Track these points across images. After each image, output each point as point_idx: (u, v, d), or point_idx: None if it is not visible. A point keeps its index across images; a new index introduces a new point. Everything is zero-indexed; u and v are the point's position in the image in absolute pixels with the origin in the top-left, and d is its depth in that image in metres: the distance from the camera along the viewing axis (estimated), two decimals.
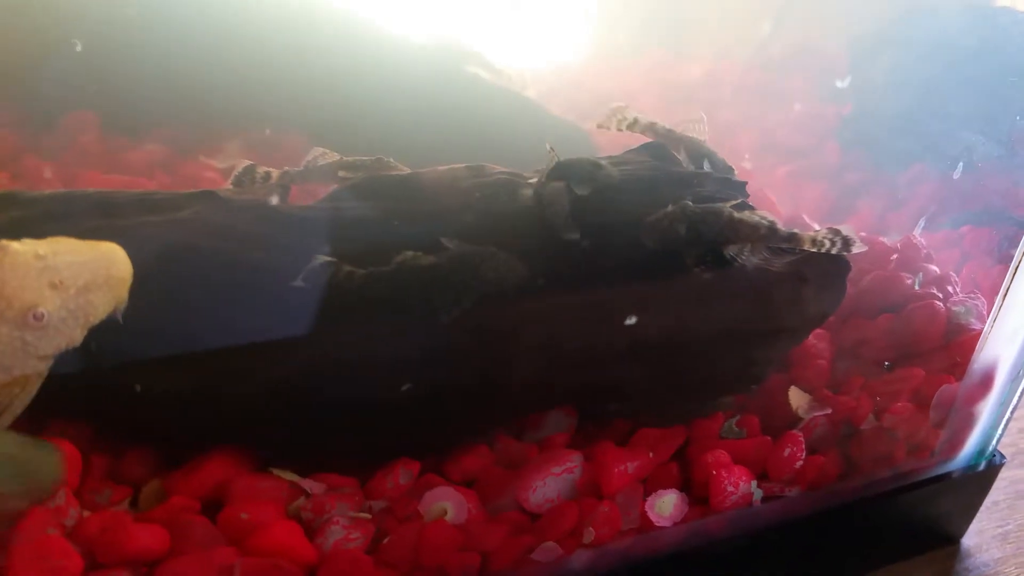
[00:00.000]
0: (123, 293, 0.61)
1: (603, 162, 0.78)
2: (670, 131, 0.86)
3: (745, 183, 0.84)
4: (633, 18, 1.47)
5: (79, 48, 0.96)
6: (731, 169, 0.85)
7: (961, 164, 1.06)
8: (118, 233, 0.66)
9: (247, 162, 0.79)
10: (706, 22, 1.48)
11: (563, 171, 0.77)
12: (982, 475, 0.94)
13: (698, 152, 0.84)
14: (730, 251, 0.76)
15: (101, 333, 0.63)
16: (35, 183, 0.99)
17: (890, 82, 1.30)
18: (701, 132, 0.86)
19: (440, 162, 0.86)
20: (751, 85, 1.47)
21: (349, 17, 1.14)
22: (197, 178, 1.03)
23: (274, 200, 0.73)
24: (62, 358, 0.60)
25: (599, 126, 0.89)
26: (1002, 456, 0.94)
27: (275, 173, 0.79)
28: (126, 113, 1.09)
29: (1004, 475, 1.02)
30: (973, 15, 1.25)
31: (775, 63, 1.46)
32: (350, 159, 0.79)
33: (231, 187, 0.78)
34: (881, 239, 1.05)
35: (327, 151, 0.80)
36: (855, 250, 0.78)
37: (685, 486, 0.80)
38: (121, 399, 0.68)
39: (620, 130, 0.87)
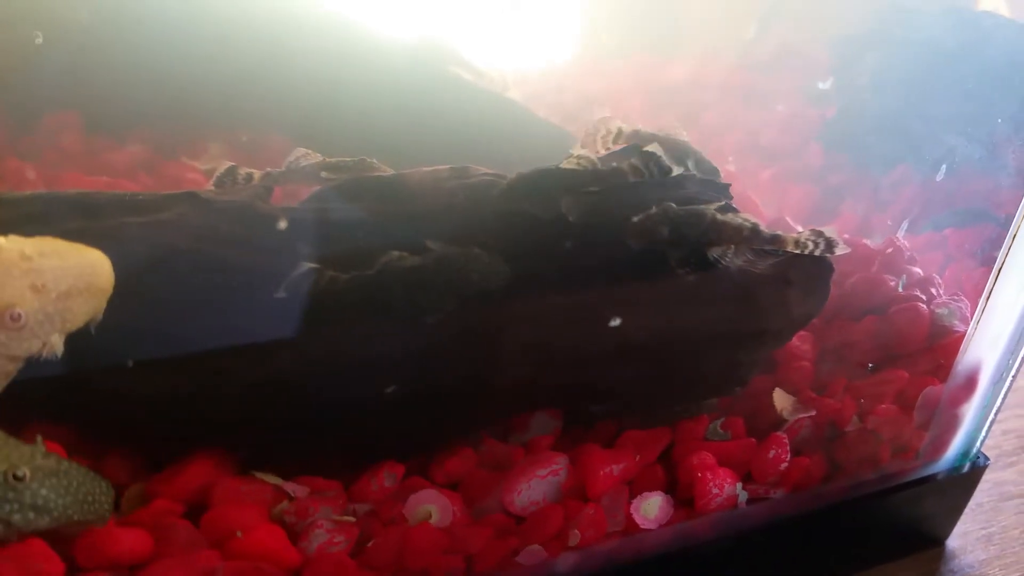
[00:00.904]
0: (103, 304, 0.61)
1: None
2: (654, 136, 0.86)
3: (729, 185, 0.84)
4: (618, 19, 1.47)
5: (39, 41, 0.95)
6: (716, 171, 0.85)
7: (944, 166, 1.06)
8: (99, 235, 0.66)
9: (229, 163, 0.78)
10: (690, 23, 1.48)
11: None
12: (966, 477, 0.95)
13: (684, 154, 0.84)
14: (714, 253, 0.76)
15: (82, 334, 0.63)
16: (16, 184, 0.98)
17: (873, 84, 1.30)
18: (681, 136, 0.86)
19: (423, 164, 0.86)
20: (735, 87, 1.47)
21: (331, 17, 1.14)
22: (180, 179, 1.02)
23: (258, 203, 0.72)
24: (33, 362, 0.60)
25: (583, 148, 0.88)
26: (986, 458, 0.95)
27: (257, 174, 0.78)
28: (108, 114, 1.08)
29: (988, 477, 1.02)
30: (956, 18, 1.25)
31: (759, 65, 1.46)
32: (333, 160, 0.79)
33: (213, 188, 0.78)
34: (864, 241, 1.06)
35: (309, 152, 0.80)
36: (838, 252, 0.79)
37: (670, 488, 0.80)
38: (102, 401, 0.67)
39: (607, 148, 0.86)
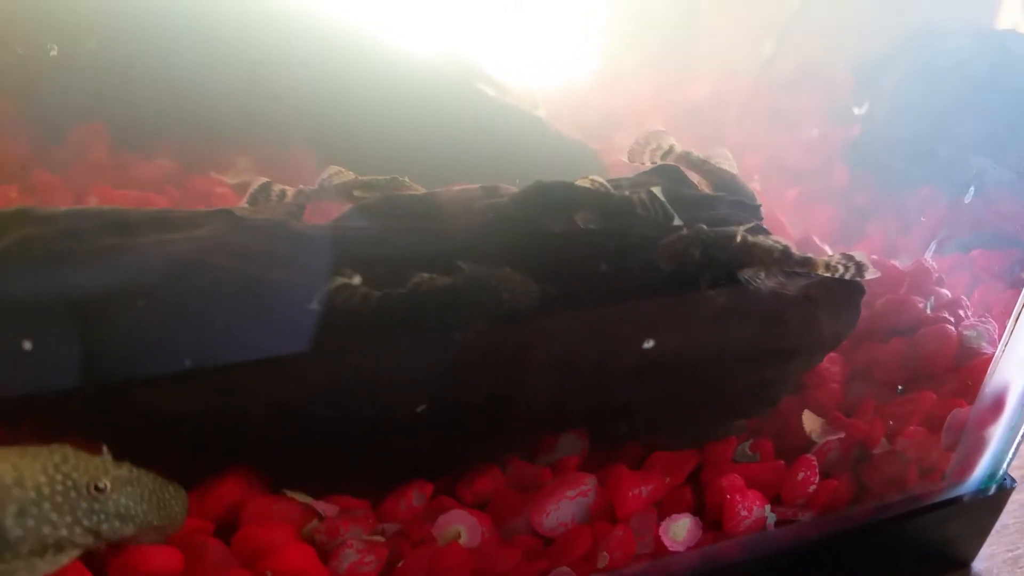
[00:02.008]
0: None
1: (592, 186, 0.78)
2: (704, 162, 0.85)
3: (759, 206, 0.84)
4: (641, 37, 1.47)
5: (54, 53, 0.96)
6: (755, 198, 0.85)
7: (972, 188, 1.05)
8: (133, 251, 0.67)
9: (263, 179, 0.79)
10: (715, 42, 1.48)
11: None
12: (993, 499, 0.94)
13: (731, 186, 0.84)
14: (744, 275, 0.75)
15: (113, 349, 0.64)
16: (44, 197, 0.99)
17: (900, 106, 1.29)
18: (731, 166, 0.86)
19: (450, 181, 0.86)
20: (758, 105, 1.47)
21: (360, 32, 1.14)
22: (208, 194, 1.02)
23: (292, 220, 0.72)
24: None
25: (630, 159, 0.88)
26: (1013, 480, 0.94)
27: (290, 191, 0.79)
28: (136, 127, 1.08)
29: (1015, 498, 1.01)
30: (983, 39, 1.25)
31: (784, 84, 1.46)
32: (366, 178, 0.79)
33: (247, 205, 0.78)
34: (893, 263, 1.05)
35: (342, 170, 0.80)
36: (868, 276, 0.78)
37: (699, 510, 0.79)
38: (133, 417, 0.68)
39: (653, 162, 0.86)
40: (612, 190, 0.79)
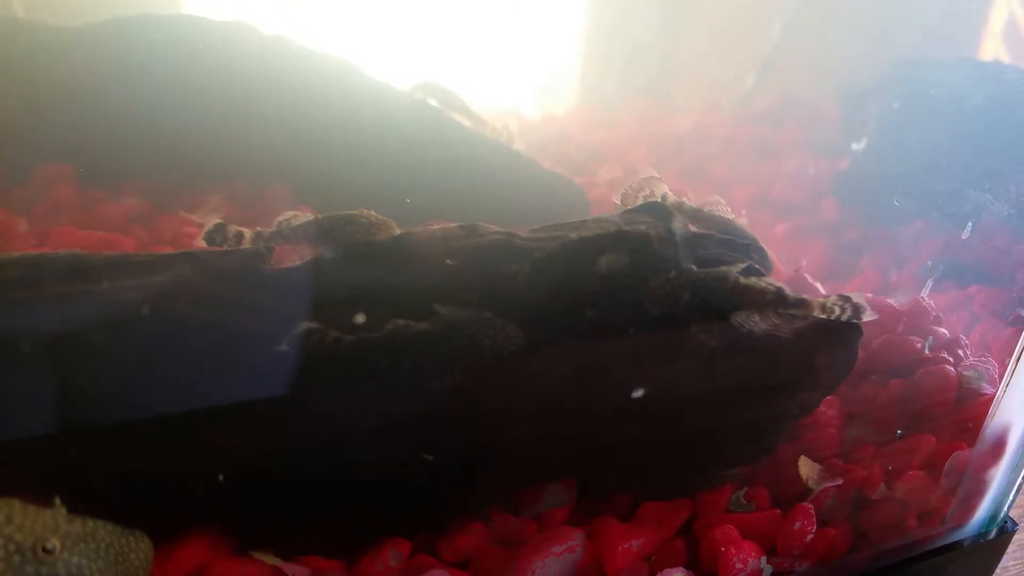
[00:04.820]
0: None
1: None
2: (698, 211, 0.83)
3: (750, 244, 0.81)
4: (620, 68, 1.46)
5: None
6: (762, 250, 0.82)
7: (970, 224, 1.03)
8: (89, 299, 0.63)
9: (216, 220, 0.75)
10: (698, 74, 1.46)
11: None
12: (993, 543, 0.92)
13: (727, 232, 0.81)
14: (737, 317, 0.72)
15: (69, 401, 0.60)
16: (6, 238, 0.95)
17: (894, 139, 1.28)
18: (725, 211, 0.83)
19: (428, 215, 0.83)
20: (742, 137, 1.45)
21: (331, 63, 1.11)
22: (176, 233, 0.99)
23: (259, 263, 0.69)
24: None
25: (623, 202, 0.85)
26: (1014, 523, 0.92)
27: (248, 233, 0.75)
28: (103, 165, 1.05)
29: (1016, 539, 0.99)
30: (977, 71, 1.23)
31: (769, 116, 1.44)
32: (323, 218, 0.75)
33: (204, 245, 0.74)
34: (889, 301, 1.03)
35: (298, 212, 0.76)
36: (866, 318, 0.75)
37: (692, 563, 0.76)
38: (89, 476, 0.63)
39: None
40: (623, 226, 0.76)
